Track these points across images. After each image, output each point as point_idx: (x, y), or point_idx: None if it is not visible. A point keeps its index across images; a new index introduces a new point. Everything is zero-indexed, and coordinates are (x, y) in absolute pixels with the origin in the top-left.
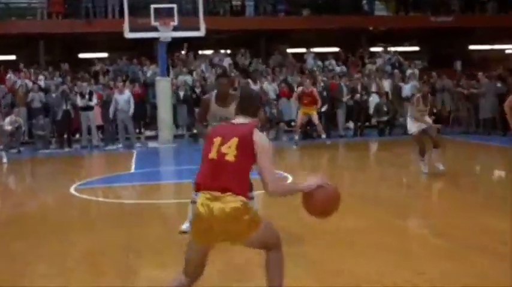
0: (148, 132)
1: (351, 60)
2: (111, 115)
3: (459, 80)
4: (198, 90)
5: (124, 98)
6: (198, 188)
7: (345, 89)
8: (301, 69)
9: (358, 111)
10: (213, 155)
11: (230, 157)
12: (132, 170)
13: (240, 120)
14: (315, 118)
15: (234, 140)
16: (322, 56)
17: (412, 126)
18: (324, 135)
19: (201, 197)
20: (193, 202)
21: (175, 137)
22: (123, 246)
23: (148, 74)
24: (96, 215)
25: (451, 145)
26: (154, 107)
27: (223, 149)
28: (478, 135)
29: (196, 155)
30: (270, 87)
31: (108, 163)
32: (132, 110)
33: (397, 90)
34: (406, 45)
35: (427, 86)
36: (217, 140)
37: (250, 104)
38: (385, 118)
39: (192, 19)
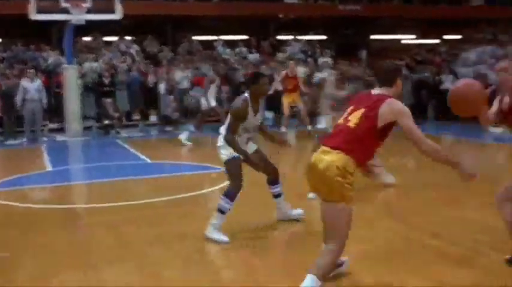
0: (51, 125)
1: (263, 47)
2: (18, 104)
3: (365, 69)
4: (106, 80)
5: (34, 86)
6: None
7: None
8: (212, 57)
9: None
10: (340, 121)
11: (351, 123)
12: (49, 168)
13: (376, 91)
14: (302, 108)
15: (361, 111)
16: (232, 44)
17: None
18: (309, 127)
19: (319, 151)
20: None
21: (83, 129)
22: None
23: (50, 61)
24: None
25: None
26: (57, 97)
27: (350, 117)
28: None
29: (112, 150)
30: (183, 76)
31: (16, 160)
32: (45, 100)
33: (310, 79)
34: (312, 34)
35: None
36: (349, 109)
37: (385, 75)
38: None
39: (101, 2)
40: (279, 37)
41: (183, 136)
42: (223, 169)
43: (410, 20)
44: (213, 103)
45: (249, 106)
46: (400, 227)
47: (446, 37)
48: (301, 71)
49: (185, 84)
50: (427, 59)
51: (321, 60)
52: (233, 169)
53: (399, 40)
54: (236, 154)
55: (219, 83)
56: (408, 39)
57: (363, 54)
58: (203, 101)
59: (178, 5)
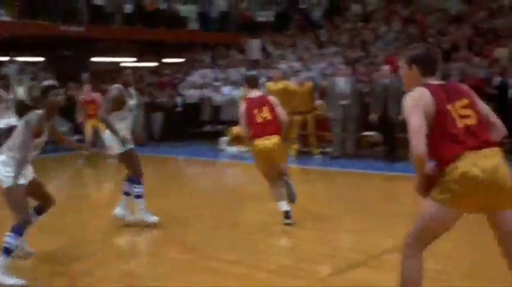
0: None
1: None
2: None
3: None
4: None
5: None
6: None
7: None
8: None
9: None
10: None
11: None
12: None
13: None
14: None
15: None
16: None
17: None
18: None
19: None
20: None
21: None
22: None
23: None
24: None
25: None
26: None
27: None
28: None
29: None
30: None
31: None
32: None
33: None
34: (30, 55)
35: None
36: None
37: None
38: None
39: None
40: None
41: None
42: None
43: (131, 43)
44: None
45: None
46: None
47: (166, 60)
48: (20, 92)
49: None
50: (154, 82)
51: (45, 82)
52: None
53: (119, 63)
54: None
55: None
56: (128, 61)
57: (85, 77)
58: None
59: None
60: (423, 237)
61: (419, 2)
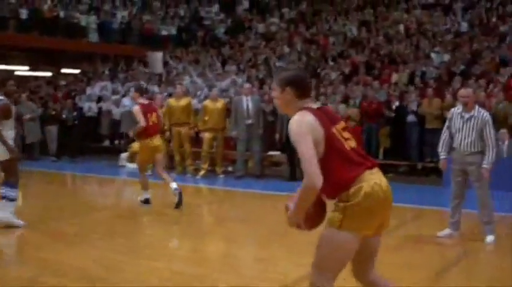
0: None
1: None
2: None
3: None
4: None
5: None
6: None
7: None
8: None
9: None
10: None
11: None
12: None
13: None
14: None
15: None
16: None
17: None
18: None
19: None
20: None
21: None
22: None
23: None
24: None
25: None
26: None
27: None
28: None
29: None
30: None
31: None
32: None
33: None
34: None
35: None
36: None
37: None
38: None
39: None
40: None
41: None
42: None
43: (25, 51)
44: None
45: None
46: None
47: (64, 70)
48: None
49: None
50: (50, 93)
51: None
52: None
53: (13, 71)
54: None
55: None
56: (22, 70)
57: None
58: None
59: None
60: (331, 267)
61: (320, 24)
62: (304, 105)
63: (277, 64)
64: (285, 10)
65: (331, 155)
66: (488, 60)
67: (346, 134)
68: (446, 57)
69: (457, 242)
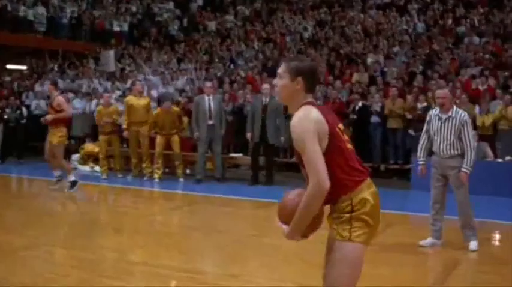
0: None
1: None
2: None
3: None
4: None
5: None
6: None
7: None
8: None
9: None
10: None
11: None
12: None
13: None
14: None
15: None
16: None
17: None
18: None
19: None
20: None
21: None
22: None
23: None
24: None
25: None
26: None
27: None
28: None
29: None
30: None
31: None
32: None
33: None
34: None
35: None
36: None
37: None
38: None
39: None
40: None
41: None
42: None
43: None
44: None
45: None
46: None
47: (9, 66)
48: None
49: None
50: None
51: None
52: None
53: None
54: None
55: None
56: None
57: None
58: None
59: None
60: (350, 285)
61: (276, 23)
62: (307, 99)
63: (238, 63)
64: (240, 8)
65: (333, 153)
66: (448, 61)
67: (346, 136)
68: (405, 57)
69: (440, 252)
